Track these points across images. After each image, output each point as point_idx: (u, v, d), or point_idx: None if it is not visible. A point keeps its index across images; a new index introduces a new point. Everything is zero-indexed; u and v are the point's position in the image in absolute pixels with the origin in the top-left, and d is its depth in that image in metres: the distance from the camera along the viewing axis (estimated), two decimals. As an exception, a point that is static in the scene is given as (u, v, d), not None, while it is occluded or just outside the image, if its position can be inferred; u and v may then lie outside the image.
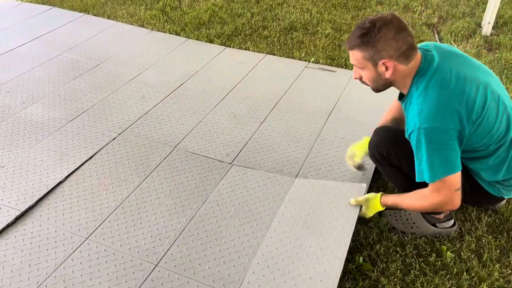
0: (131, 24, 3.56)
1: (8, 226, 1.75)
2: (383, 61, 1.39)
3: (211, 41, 3.26)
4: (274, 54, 3.07)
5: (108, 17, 3.67)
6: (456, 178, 1.42)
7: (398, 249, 1.68)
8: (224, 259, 1.61)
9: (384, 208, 1.69)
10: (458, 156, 1.42)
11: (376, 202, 1.68)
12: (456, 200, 1.47)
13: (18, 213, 1.79)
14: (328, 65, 2.93)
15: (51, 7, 3.87)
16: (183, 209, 1.83)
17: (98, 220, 1.77)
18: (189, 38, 3.32)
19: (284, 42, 3.21)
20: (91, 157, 2.11)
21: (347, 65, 2.90)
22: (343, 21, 3.56)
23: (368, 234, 1.73)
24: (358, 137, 2.16)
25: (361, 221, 1.78)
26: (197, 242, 1.68)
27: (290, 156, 2.12)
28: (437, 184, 1.43)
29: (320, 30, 3.40)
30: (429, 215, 1.71)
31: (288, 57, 3.03)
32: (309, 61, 2.96)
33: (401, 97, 1.57)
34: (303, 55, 3.03)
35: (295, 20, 3.56)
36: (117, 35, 3.37)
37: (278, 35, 3.30)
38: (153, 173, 2.01)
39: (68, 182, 1.97)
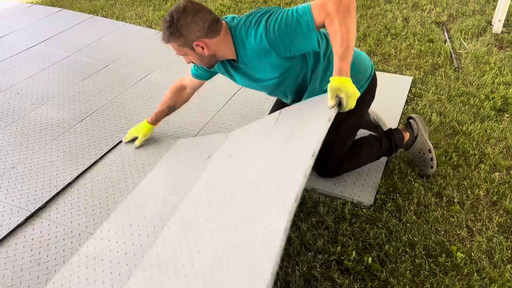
0: (140, 25, 3.58)
1: (18, 226, 1.76)
2: (195, 43, 1.54)
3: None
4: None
5: (117, 19, 3.70)
6: None
7: (407, 249, 1.66)
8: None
9: (353, 84, 1.40)
10: None
11: (344, 82, 1.38)
12: None
13: (28, 213, 1.81)
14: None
15: (60, 9, 3.92)
16: (191, 209, 1.83)
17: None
18: (197, 38, 3.33)
19: (292, 41, 3.21)
20: (100, 158, 2.12)
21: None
22: (351, 20, 3.54)
23: (377, 234, 1.72)
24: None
25: (371, 221, 1.77)
26: (204, 241, 1.68)
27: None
28: (317, 14, 1.42)
29: (328, 30, 3.38)
30: (401, 143, 1.94)
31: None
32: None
33: (235, 61, 1.65)
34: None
35: (303, 20, 3.55)
36: (125, 36, 3.39)
37: (285, 34, 3.29)
38: (161, 173, 2.02)
39: (76, 182, 1.99)
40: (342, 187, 1.91)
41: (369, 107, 1.93)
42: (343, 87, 1.38)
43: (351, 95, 1.39)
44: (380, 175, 1.98)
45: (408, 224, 1.76)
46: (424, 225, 1.76)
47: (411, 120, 1.98)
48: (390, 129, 1.98)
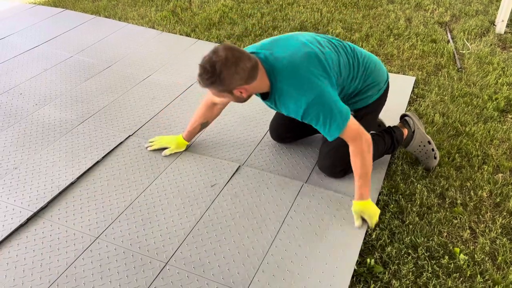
0: (142, 25, 3.58)
1: (21, 226, 1.77)
2: (235, 90, 1.59)
3: (221, 42, 3.27)
4: (284, 54, 3.06)
5: (119, 19, 3.71)
6: (352, 120, 1.65)
7: (410, 251, 1.65)
8: (234, 258, 1.61)
9: (373, 204, 1.74)
10: (341, 102, 1.65)
11: (365, 206, 1.72)
12: (366, 133, 1.67)
13: (30, 214, 1.81)
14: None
15: (63, 9, 3.92)
16: (192, 208, 1.83)
17: (108, 220, 1.78)
18: (199, 39, 3.33)
19: (294, 42, 3.20)
20: (102, 159, 2.12)
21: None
22: (353, 20, 3.54)
23: (380, 235, 1.71)
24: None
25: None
26: (206, 240, 1.68)
27: (301, 160, 2.10)
28: (347, 134, 1.64)
29: (331, 30, 3.38)
30: (402, 139, 1.98)
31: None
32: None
33: (265, 96, 1.73)
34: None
35: (305, 20, 3.55)
36: (128, 36, 3.39)
37: (288, 35, 3.29)
38: (162, 174, 2.02)
39: (79, 183, 1.99)
40: (345, 188, 1.91)
41: (381, 109, 2.00)
42: (365, 210, 1.72)
43: (373, 215, 1.72)
44: (382, 177, 1.97)
45: (410, 226, 1.75)
46: (427, 227, 1.75)
47: (406, 118, 2.04)
48: (389, 126, 2.03)
